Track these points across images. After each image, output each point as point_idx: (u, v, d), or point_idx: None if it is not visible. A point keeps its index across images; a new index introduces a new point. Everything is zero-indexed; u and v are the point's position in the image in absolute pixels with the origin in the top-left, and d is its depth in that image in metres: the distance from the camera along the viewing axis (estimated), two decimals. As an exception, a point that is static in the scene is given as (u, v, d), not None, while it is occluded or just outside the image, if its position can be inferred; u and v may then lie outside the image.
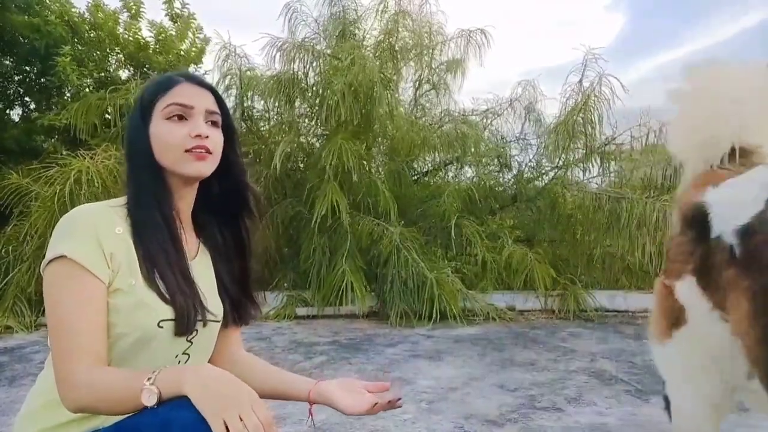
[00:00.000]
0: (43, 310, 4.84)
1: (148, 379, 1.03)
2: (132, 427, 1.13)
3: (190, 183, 1.33)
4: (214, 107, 1.32)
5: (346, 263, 5.62)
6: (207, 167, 1.29)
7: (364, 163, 6.47)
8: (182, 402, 1.04)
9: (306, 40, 6.89)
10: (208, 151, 1.28)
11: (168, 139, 1.25)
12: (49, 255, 1.17)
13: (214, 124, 1.32)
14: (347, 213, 5.74)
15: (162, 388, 1.03)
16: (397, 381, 1.32)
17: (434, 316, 5.29)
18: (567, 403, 3.08)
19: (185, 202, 1.35)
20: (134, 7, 8.82)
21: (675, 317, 1.36)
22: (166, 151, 1.26)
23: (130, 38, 8.70)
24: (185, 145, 1.25)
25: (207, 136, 1.27)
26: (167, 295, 1.23)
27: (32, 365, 4.00)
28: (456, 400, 3.11)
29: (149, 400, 1.03)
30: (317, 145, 6.96)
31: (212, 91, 1.34)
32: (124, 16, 8.82)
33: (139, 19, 8.89)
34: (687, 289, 1.32)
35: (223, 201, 1.41)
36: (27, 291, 5.37)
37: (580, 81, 6.62)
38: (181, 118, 1.27)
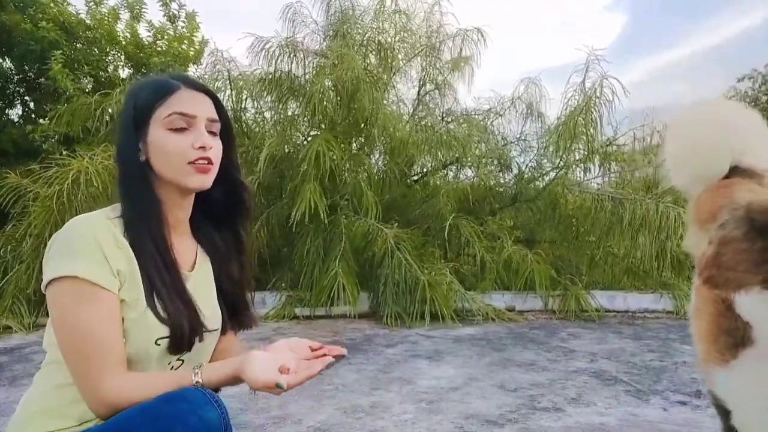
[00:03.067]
0: (43, 311, 4.80)
1: (197, 383, 1.14)
2: (124, 422, 1.14)
3: (189, 193, 1.30)
4: (215, 114, 1.29)
5: (339, 265, 5.61)
6: (209, 179, 1.28)
7: (350, 163, 6.45)
8: (173, 396, 1.09)
9: (304, 39, 6.90)
10: (210, 162, 1.26)
11: (171, 150, 1.22)
12: (56, 272, 1.14)
13: (213, 132, 1.29)
14: (327, 214, 5.72)
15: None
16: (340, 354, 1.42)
17: (427, 317, 5.29)
18: (567, 403, 3.07)
19: (183, 211, 1.33)
20: (137, 7, 8.85)
21: (740, 336, 1.19)
22: (168, 162, 1.23)
23: (129, 38, 8.71)
24: (188, 156, 1.23)
25: (211, 147, 1.25)
26: (163, 315, 1.22)
27: (32, 365, 3.99)
28: (456, 401, 3.11)
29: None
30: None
31: (211, 96, 1.31)
32: (125, 16, 8.84)
33: (139, 20, 8.91)
34: (755, 304, 1.15)
35: (221, 204, 1.39)
36: (26, 291, 5.36)
37: (583, 82, 6.63)
38: (183, 127, 1.24)
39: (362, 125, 6.46)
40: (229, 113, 5.87)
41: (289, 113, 6.81)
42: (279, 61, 6.54)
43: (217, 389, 1.19)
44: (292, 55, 6.59)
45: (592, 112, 6.48)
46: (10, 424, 1.26)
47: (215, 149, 1.27)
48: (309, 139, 6.64)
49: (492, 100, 7.41)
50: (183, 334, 1.24)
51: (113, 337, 1.15)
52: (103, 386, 1.12)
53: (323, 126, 6.37)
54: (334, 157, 5.79)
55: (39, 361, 4.07)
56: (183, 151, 1.22)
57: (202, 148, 1.23)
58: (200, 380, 1.14)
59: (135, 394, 1.13)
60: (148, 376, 1.18)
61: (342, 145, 5.96)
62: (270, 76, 6.54)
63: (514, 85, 7.25)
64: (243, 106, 6.92)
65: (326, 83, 6.10)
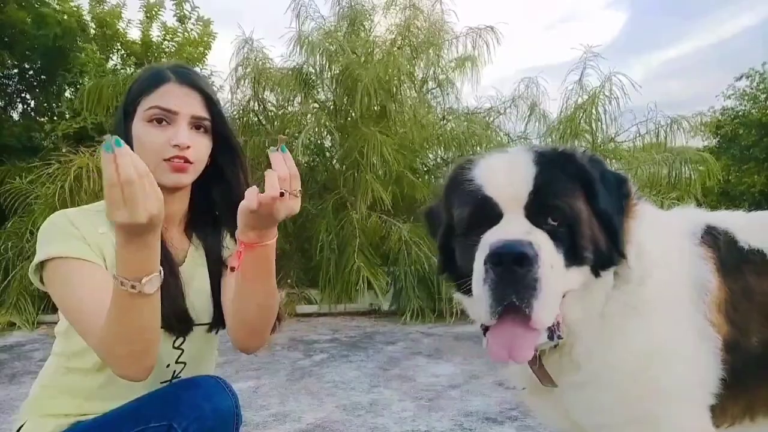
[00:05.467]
0: (44, 308, 4.80)
1: (122, 283, 0.98)
2: (140, 406, 1.17)
3: (170, 191, 1.25)
4: (202, 112, 1.24)
5: (359, 259, 5.59)
6: (185, 178, 1.23)
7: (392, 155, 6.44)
8: (188, 381, 1.11)
9: (313, 34, 6.89)
10: (188, 161, 1.21)
11: (147, 145, 1.19)
12: (38, 257, 1.17)
13: (200, 129, 1.24)
14: (390, 205, 5.68)
15: (134, 275, 0.98)
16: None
17: (447, 315, 5.23)
18: (567, 401, 3.07)
19: (172, 207, 1.28)
20: (154, 9, 8.88)
21: None
22: (144, 157, 1.15)
23: (137, 38, 8.76)
24: (164, 153, 1.19)
25: (188, 147, 1.20)
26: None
27: (32, 363, 4.00)
28: (456, 398, 3.10)
29: (152, 286, 1.00)
30: (336, 138, 6.93)
31: (203, 93, 1.25)
32: (132, 15, 8.88)
33: (153, 21, 8.95)
34: None
35: (217, 204, 1.35)
36: (30, 288, 5.37)
37: (580, 79, 6.64)
38: (162, 121, 1.20)
39: (388, 120, 6.46)
40: (254, 103, 5.80)
41: (314, 106, 6.80)
42: (316, 52, 6.54)
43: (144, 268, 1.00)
44: (323, 50, 6.58)
45: (595, 109, 6.48)
46: (23, 405, 1.30)
47: (196, 148, 1.23)
48: (339, 134, 6.63)
49: (494, 99, 7.41)
50: (174, 321, 1.22)
51: (99, 297, 1.10)
52: (94, 342, 1.10)
53: (358, 115, 6.27)
54: (388, 149, 5.75)
55: (38, 359, 4.09)
56: (158, 146, 1.19)
57: (177, 146, 1.19)
58: (114, 275, 0.99)
59: (107, 333, 1.05)
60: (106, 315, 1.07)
61: (389, 139, 5.92)
62: (302, 68, 6.56)
63: (514, 83, 7.25)
64: (264, 96, 6.90)
65: (367, 78, 6.02)
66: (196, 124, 1.23)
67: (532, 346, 0.99)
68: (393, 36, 7.13)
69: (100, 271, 1.16)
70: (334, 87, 6.63)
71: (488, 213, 1.01)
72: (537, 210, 0.99)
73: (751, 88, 14.35)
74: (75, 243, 1.17)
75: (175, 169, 1.20)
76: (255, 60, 6.70)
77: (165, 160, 1.19)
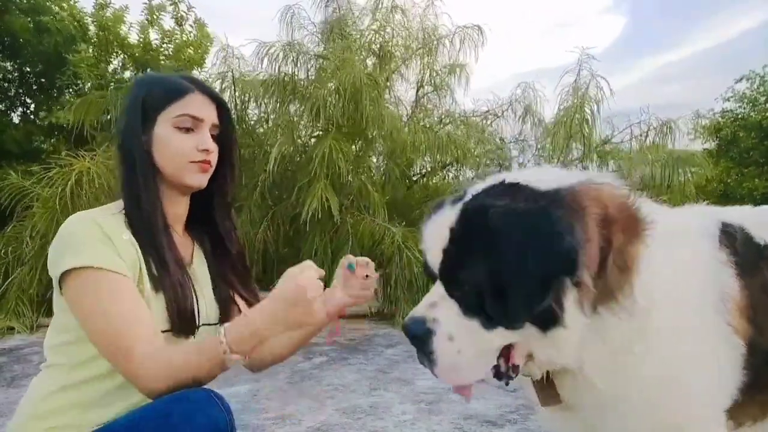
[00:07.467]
0: (44, 311, 4.79)
1: (224, 352, 1.12)
2: (132, 422, 1.16)
3: (186, 192, 1.36)
4: (218, 121, 1.36)
5: None
6: (206, 179, 1.35)
7: (353, 164, 6.44)
8: (180, 395, 1.11)
9: (300, 41, 6.88)
10: (210, 164, 1.33)
11: (176, 148, 1.29)
12: (68, 264, 1.16)
13: (214, 137, 1.36)
14: (339, 211, 5.70)
15: (237, 347, 1.13)
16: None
17: None
18: (566, 403, 3.07)
19: (180, 207, 1.38)
20: (155, 14, 8.91)
21: None
22: (171, 159, 1.29)
23: (137, 41, 8.78)
24: (191, 156, 1.30)
25: (213, 151, 1.33)
26: (171, 301, 1.25)
27: (31, 366, 4.00)
28: (455, 401, 3.10)
29: (231, 363, 1.15)
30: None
31: (219, 102, 1.38)
32: (134, 18, 8.90)
33: (154, 25, 8.97)
34: None
35: (211, 207, 1.44)
36: (29, 292, 5.37)
37: (575, 82, 6.66)
38: (189, 129, 1.31)
39: (363, 127, 6.46)
40: (233, 113, 5.89)
41: (292, 112, 6.80)
42: (282, 64, 6.52)
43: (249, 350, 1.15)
44: (295, 59, 6.58)
45: (585, 111, 6.52)
46: (9, 426, 1.26)
47: (215, 153, 1.35)
48: (313, 140, 6.64)
49: (490, 102, 7.43)
50: (186, 315, 1.27)
51: (137, 311, 1.17)
52: (135, 357, 1.12)
53: (330, 127, 6.35)
54: (341, 157, 5.78)
55: (38, 363, 4.07)
56: (187, 150, 1.30)
57: (206, 150, 1.31)
58: (223, 340, 1.11)
59: (168, 361, 1.13)
60: (176, 347, 1.20)
61: (344, 147, 5.93)
62: (274, 79, 6.52)
63: (512, 87, 7.28)
64: (246, 106, 6.92)
65: (329, 86, 6.08)
66: (212, 132, 1.34)
67: (469, 387, 1.10)
68: (371, 39, 7.12)
69: (132, 286, 1.20)
70: (303, 96, 6.60)
71: (432, 276, 1.12)
72: (447, 280, 1.07)
73: (751, 91, 14.36)
74: (107, 253, 1.18)
75: (202, 170, 1.31)
76: (232, 70, 6.69)
77: (191, 162, 1.30)
